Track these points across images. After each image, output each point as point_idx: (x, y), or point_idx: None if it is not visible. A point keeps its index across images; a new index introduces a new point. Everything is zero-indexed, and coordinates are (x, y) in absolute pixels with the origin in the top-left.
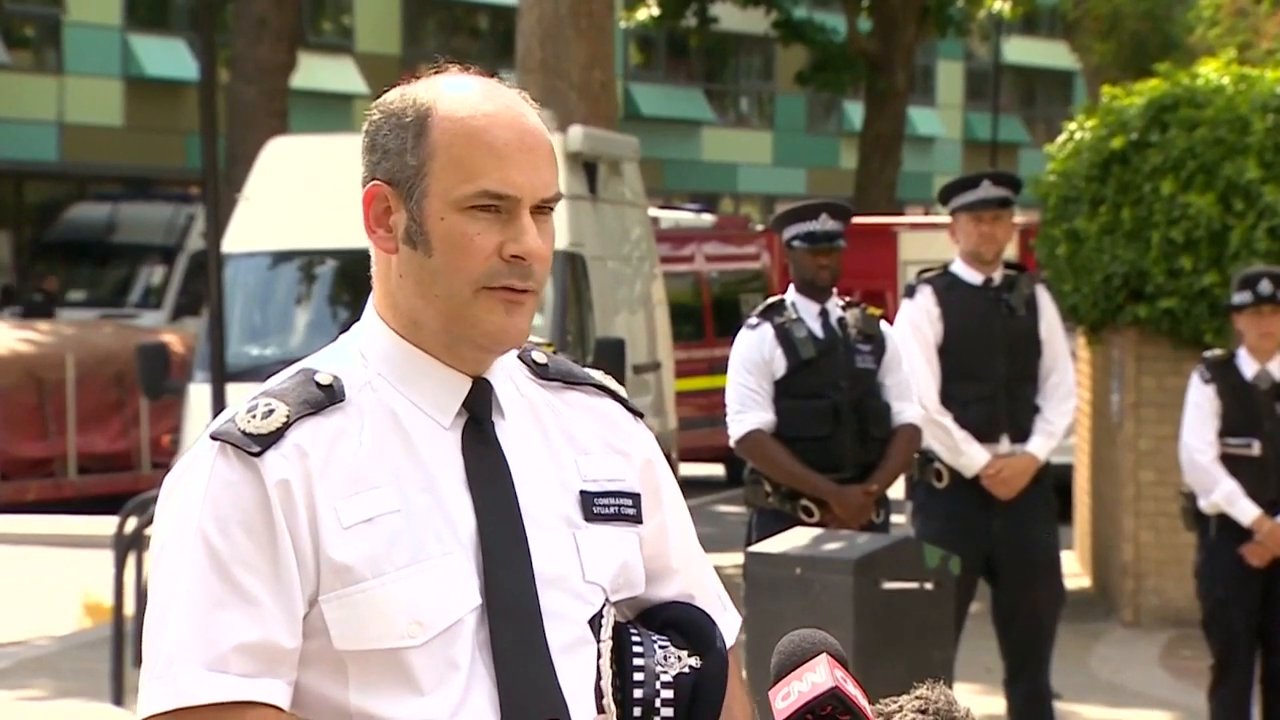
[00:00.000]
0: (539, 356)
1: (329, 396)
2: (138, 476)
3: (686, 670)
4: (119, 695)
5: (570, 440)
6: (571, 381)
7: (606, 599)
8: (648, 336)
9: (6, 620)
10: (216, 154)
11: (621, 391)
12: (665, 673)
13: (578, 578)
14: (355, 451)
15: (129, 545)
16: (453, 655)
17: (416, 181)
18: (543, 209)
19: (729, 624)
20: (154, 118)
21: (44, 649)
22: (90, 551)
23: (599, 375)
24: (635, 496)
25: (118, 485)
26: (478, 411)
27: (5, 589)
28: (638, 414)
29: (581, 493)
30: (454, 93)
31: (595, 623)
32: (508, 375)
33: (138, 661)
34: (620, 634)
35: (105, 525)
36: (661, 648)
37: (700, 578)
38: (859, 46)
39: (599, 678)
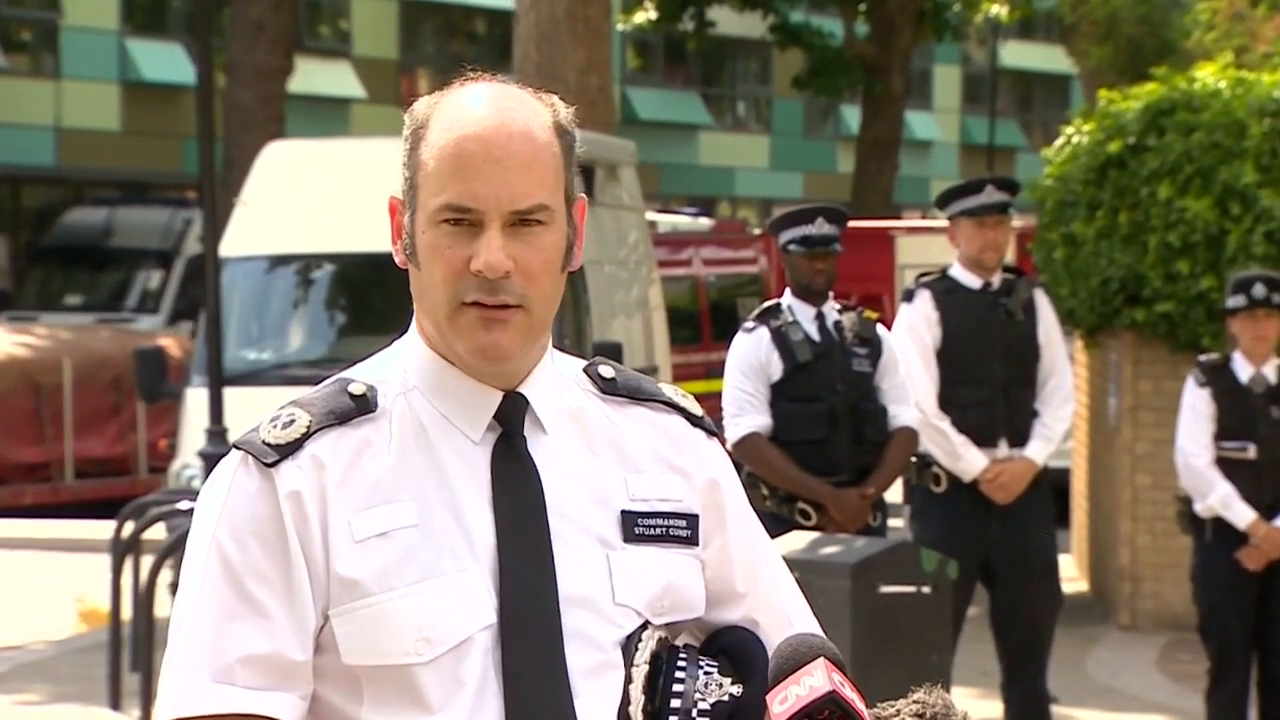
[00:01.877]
0: (606, 371)
1: (359, 407)
2: (134, 481)
3: (726, 699)
4: (116, 700)
5: (622, 458)
6: (638, 397)
7: (646, 622)
8: (645, 341)
9: (3, 625)
10: (214, 158)
11: (693, 408)
12: (703, 700)
13: (606, 600)
14: (379, 464)
15: (126, 550)
16: (461, 673)
17: (411, 195)
18: (525, 221)
19: None
20: (151, 122)
21: (41, 654)
22: (87, 556)
23: (670, 390)
24: (690, 517)
25: (115, 490)
26: (510, 426)
27: (2, 594)
28: (710, 431)
29: (623, 512)
30: (449, 104)
31: (628, 647)
32: (558, 389)
33: (135, 666)
34: (665, 659)
35: (102, 530)
36: (706, 674)
37: (770, 601)
38: (856, 50)
39: (627, 703)
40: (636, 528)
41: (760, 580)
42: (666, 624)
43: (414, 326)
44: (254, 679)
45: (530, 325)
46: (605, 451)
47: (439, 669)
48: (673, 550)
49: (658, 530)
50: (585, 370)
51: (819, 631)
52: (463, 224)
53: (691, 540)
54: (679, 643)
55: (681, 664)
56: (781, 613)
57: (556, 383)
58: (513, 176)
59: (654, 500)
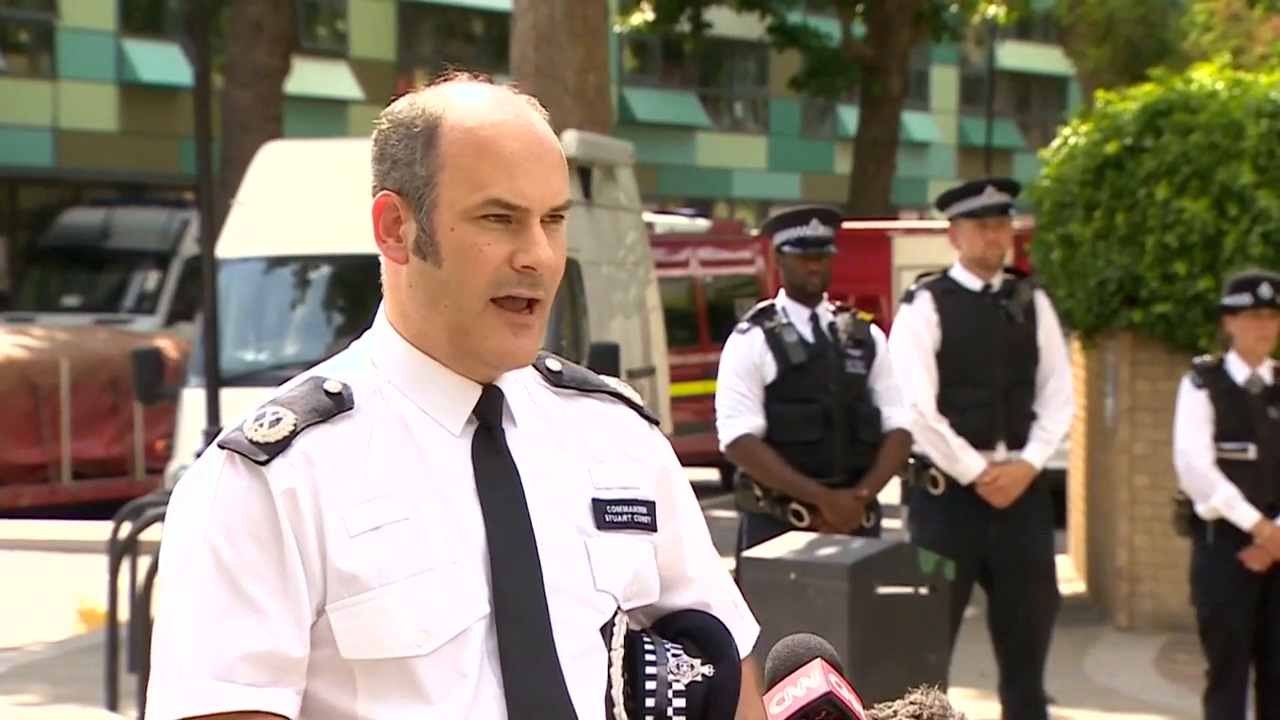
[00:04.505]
0: (553, 364)
1: (338, 404)
2: (132, 482)
3: (699, 679)
4: (113, 701)
5: (584, 448)
6: (586, 389)
7: (618, 607)
8: (642, 341)
9: (1, 626)
10: (211, 159)
11: (637, 399)
12: (678, 681)
13: (588, 586)
14: (364, 459)
15: (124, 550)
16: (460, 664)
17: (426, 192)
18: (554, 218)
19: (745, 633)
20: (148, 123)
21: (39, 654)
22: (85, 557)
23: (614, 383)
24: (650, 504)
25: (112, 490)
26: (488, 419)
27: (0, 595)
28: (653, 421)
29: (594, 500)
30: (463, 102)
31: (606, 631)
32: (521, 383)
33: (132, 667)
34: (633, 642)
35: (100, 530)
36: (674, 656)
37: (716, 586)
38: (853, 51)
39: (610, 686)
40: (606, 515)
41: (707, 567)
42: (629, 609)
43: (382, 322)
44: (255, 676)
45: (544, 321)
46: (569, 442)
47: (439, 660)
48: (637, 536)
49: (624, 517)
50: (534, 365)
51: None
52: (503, 220)
53: (651, 527)
54: (635, 627)
55: (649, 647)
56: (727, 597)
57: (517, 377)
58: (551, 175)
59: (617, 489)
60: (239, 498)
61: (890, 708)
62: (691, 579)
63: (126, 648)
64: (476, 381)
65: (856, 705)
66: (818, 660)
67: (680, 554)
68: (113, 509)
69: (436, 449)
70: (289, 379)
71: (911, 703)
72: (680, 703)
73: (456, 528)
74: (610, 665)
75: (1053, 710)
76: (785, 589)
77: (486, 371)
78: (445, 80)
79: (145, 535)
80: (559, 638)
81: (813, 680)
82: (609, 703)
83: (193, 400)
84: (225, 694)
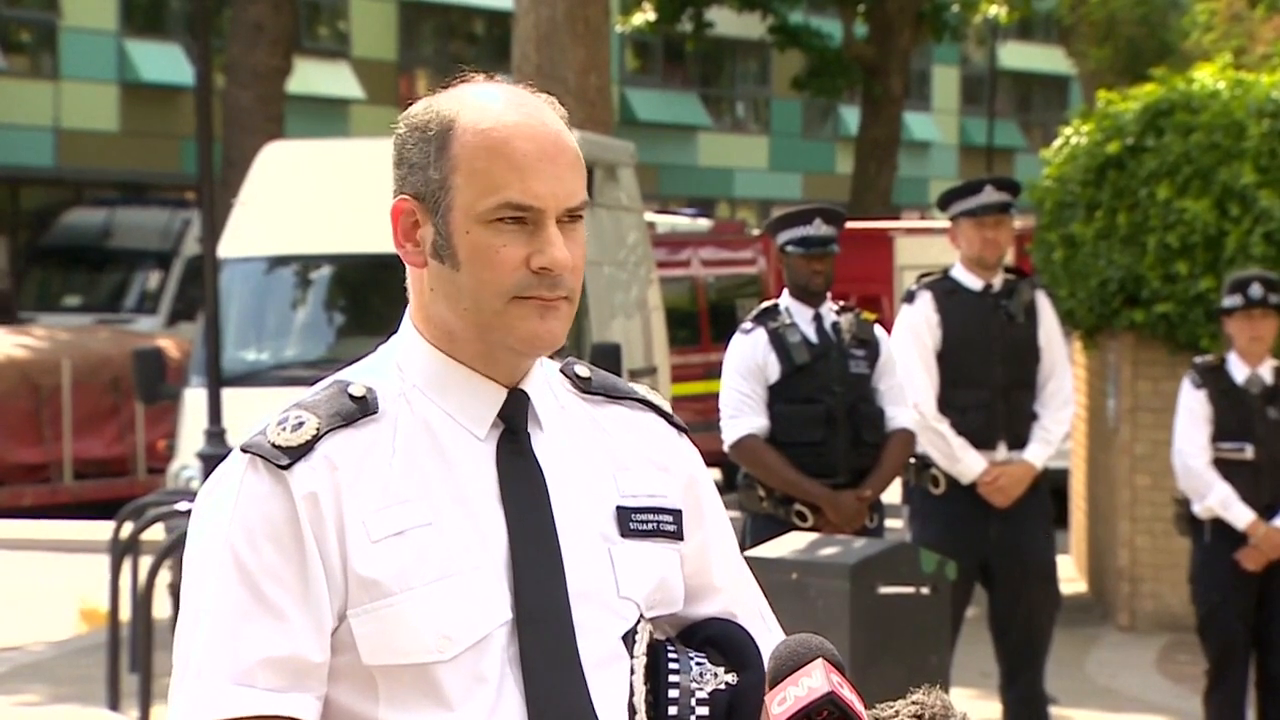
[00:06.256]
0: (582, 370)
1: (361, 408)
2: (133, 482)
3: (722, 687)
4: (115, 701)
5: (610, 455)
6: (614, 396)
7: (641, 615)
8: (644, 342)
9: (2, 625)
10: (212, 159)
11: (666, 406)
12: (700, 690)
13: (611, 593)
14: (387, 464)
15: (125, 550)
16: (481, 670)
17: (441, 196)
18: (571, 217)
19: (771, 644)
20: (150, 123)
21: (40, 654)
22: (86, 557)
23: (643, 390)
24: (676, 513)
25: (113, 490)
26: (513, 423)
27: (1, 594)
28: (682, 429)
29: (618, 508)
30: (476, 104)
31: (629, 638)
32: (548, 388)
33: (134, 667)
34: (657, 651)
35: (101, 530)
36: (698, 664)
37: (742, 596)
38: (855, 52)
39: (631, 694)
40: (631, 523)
41: (734, 577)
42: (653, 618)
43: (408, 326)
44: (274, 680)
45: (571, 316)
46: (595, 449)
47: (459, 666)
48: (662, 545)
49: (649, 525)
50: (561, 370)
51: (779, 627)
52: (518, 222)
53: (678, 535)
54: (660, 636)
55: (673, 655)
56: (754, 607)
57: (545, 381)
58: (565, 174)
59: (643, 496)
60: (260, 501)
61: (892, 707)
62: (719, 589)
63: (128, 648)
64: (502, 385)
65: (858, 705)
66: (819, 660)
67: (707, 563)
68: (114, 509)
69: (461, 453)
70: (291, 379)
71: (913, 703)
72: (703, 711)
73: (479, 533)
74: (633, 673)
75: (1054, 710)
76: (787, 589)
77: (513, 369)
78: (461, 82)
79: (147, 535)
80: (581, 644)
81: (814, 680)
82: (631, 710)
83: (194, 400)
84: (244, 698)
